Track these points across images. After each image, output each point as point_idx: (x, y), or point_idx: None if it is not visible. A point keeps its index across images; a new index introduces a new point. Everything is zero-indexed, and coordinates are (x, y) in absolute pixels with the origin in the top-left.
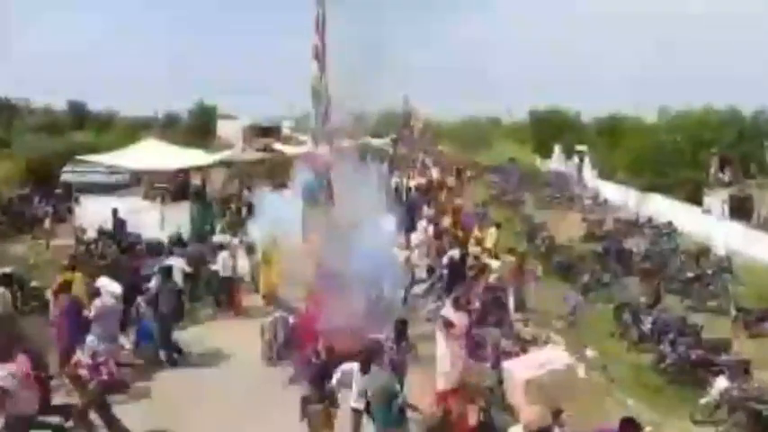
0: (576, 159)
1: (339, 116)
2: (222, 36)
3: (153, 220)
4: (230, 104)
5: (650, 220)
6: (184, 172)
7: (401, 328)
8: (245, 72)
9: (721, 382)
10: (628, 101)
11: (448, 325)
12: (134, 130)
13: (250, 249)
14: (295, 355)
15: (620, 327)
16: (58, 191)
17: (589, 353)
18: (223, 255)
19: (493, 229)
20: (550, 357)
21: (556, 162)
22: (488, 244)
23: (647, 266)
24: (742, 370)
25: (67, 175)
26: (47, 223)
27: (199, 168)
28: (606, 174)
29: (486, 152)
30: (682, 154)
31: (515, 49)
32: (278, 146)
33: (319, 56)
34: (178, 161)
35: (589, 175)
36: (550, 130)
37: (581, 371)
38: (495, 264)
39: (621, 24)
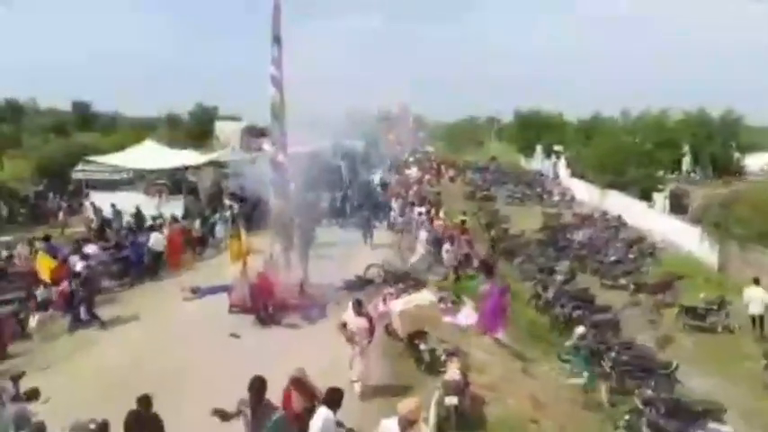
0: (553, 159)
1: (296, 128)
2: (227, 38)
3: (150, 212)
4: (233, 106)
5: (605, 213)
6: (180, 170)
7: None
8: (249, 73)
9: (579, 329)
10: (609, 103)
11: (342, 327)
12: (138, 131)
13: (225, 221)
14: (253, 306)
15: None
16: (71, 187)
17: None
18: (155, 235)
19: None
20: (419, 297)
21: (536, 161)
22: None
23: (582, 252)
24: (611, 325)
25: (78, 173)
26: (61, 215)
27: (196, 167)
28: (579, 172)
29: (475, 151)
30: (639, 154)
31: (510, 52)
32: (266, 146)
33: (277, 84)
34: (174, 161)
35: (563, 173)
36: (534, 130)
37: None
38: None
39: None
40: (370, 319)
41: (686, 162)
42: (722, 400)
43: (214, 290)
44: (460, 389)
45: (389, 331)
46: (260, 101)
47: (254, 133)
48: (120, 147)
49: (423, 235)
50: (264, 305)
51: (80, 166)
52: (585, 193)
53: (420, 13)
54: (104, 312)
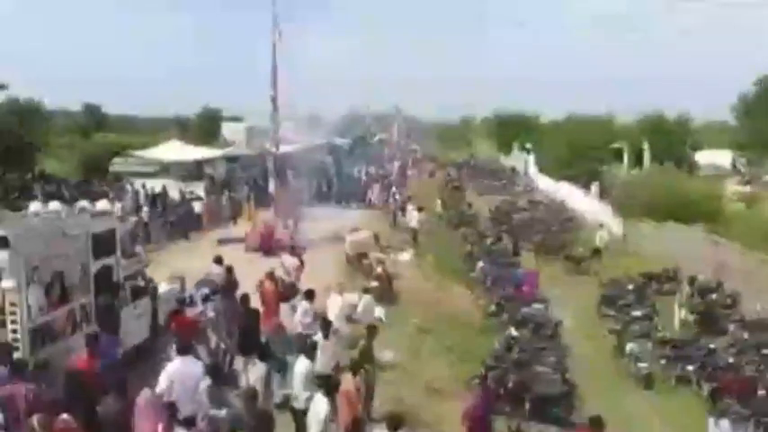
0: (525, 156)
1: (293, 129)
2: (230, 40)
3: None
4: (237, 106)
5: (553, 200)
6: (198, 163)
7: None
8: (252, 75)
9: (480, 264)
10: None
11: (281, 264)
12: (152, 132)
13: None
14: (261, 245)
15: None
16: (110, 176)
17: (429, 258)
18: (197, 203)
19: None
20: (361, 232)
21: (513, 158)
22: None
23: (518, 226)
24: (508, 265)
25: (117, 166)
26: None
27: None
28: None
29: (463, 149)
30: (585, 150)
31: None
32: (267, 145)
33: (274, 102)
34: (194, 155)
35: (532, 168)
36: (513, 129)
37: (407, 256)
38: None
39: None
40: (300, 259)
41: (646, 158)
42: (567, 308)
43: (234, 239)
44: (381, 278)
45: (348, 259)
46: (261, 101)
47: (256, 133)
48: (140, 145)
49: (410, 209)
50: (269, 244)
51: (118, 160)
52: (544, 184)
53: (420, 14)
54: (160, 257)
